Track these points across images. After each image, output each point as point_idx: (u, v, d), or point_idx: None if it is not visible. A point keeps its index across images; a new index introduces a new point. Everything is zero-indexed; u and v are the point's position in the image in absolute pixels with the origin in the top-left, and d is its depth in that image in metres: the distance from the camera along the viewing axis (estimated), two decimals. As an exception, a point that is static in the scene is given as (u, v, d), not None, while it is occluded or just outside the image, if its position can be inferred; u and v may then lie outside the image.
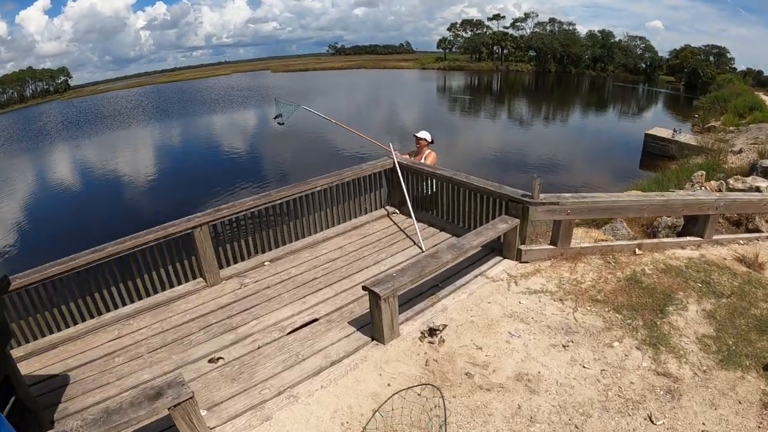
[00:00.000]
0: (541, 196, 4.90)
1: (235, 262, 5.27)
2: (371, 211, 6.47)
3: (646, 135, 19.05)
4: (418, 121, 27.85)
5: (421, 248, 5.53)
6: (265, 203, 5.14)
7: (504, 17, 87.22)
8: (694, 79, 59.93)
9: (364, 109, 34.09)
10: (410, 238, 5.84)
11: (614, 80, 65.50)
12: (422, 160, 6.77)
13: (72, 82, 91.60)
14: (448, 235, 5.83)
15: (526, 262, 5.14)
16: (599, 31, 77.70)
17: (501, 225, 4.91)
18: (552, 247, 5.21)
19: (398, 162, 6.21)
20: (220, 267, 5.07)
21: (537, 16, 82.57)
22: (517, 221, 4.96)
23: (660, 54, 73.60)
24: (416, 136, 6.84)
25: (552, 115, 31.27)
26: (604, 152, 18.81)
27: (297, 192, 5.35)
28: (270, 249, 5.50)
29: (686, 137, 17.59)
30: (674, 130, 18.03)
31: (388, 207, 6.62)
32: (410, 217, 5.99)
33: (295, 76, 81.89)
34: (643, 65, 73.59)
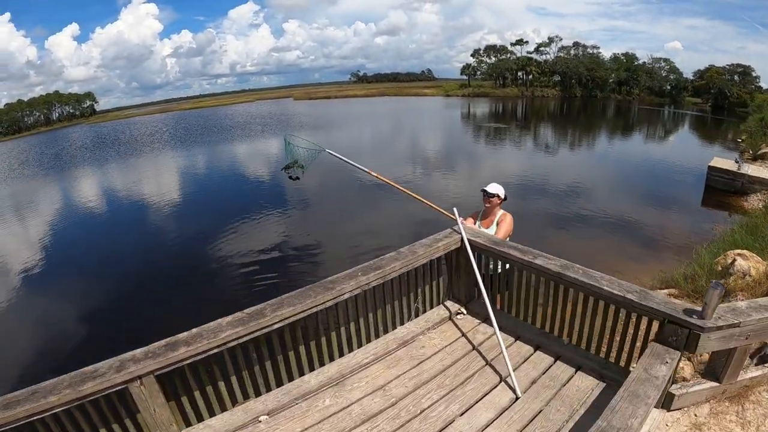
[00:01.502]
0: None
1: (210, 415, 3.13)
2: (426, 310, 4.30)
3: (710, 168, 16.63)
4: (456, 153, 25.80)
5: (513, 390, 3.32)
6: (254, 332, 3.00)
7: (527, 42, 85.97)
8: (721, 99, 57.81)
9: (393, 140, 32.21)
10: (491, 366, 3.64)
11: (639, 103, 63.57)
12: (493, 226, 4.81)
13: (99, 107, 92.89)
14: (548, 358, 3.69)
15: (676, 410, 3.19)
16: (623, 54, 76.11)
17: (659, 368, 2.77)
18: (714, 384, 3.25)
19: (469, 239, 4.06)
20: (181, 428, 2.95)
21: (561, 40, 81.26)
22: (677, 356, 2.90)
23: (684, 75, 71.68)
24: (486, 192, 4.82)
25: (587, 145, 28.87)
26: (656, 187, 16.31)
27: (309, 308, 3.21)
28: (268, 390, 3.36)
29: (755, 169, 15.48)
30: (736, 161, 15.69)
31: (448, 303, 4.44)
32: (487, 321, 3.98)
33: (317, 103, 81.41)
34: (668, 87, 71.42)
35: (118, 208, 17.64)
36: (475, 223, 5.06)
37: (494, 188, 4.87)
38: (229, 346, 2.90)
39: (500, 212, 4.99)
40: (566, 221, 12.28)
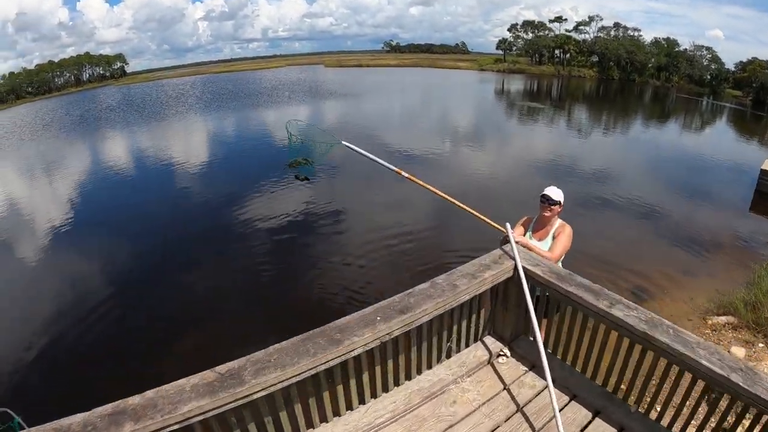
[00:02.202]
0: None
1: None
2: (460, 349, 3.39)
3: (762, 171, 14.89)
4: (488, 130, 24.39)
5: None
6: (227, 404, 2.13)
7: (566, 20, 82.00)
8: (763, 94, 54.14)
9: (423, 113, 30.78)
10: (542, 439, 2.74)
11: (678, 91, 60.47)
12: (548, 239, 3.95)
13: (130, 69, 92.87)
14: (609, 430, 2.79)
15: None
16: (664, 39, 71.97)
17: None
18: None
19: (525, 268, 3.10)
20: None
21: (601, 20, 77.12)
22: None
23: (725, 66, 67.17)
24: (548, 198, 3.91)
25: (624, 130, 26.51)
26: (697, 183, 14.49)
27: (305, 370, 2.30)
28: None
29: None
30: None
31: (489, 339, 3.52)
32: (535, 369, 3.19)
33: (348, 71, 79.69)
34: (708, 77, 67.57)
35: (140, 170, 17.19)
36: (525, 233, 4.10)
37: (555, 193, 3.90)
38: (192, 422, 2.06)
39: (558, 222, 4.02)
40: (602, 211, 11.11)
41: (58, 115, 40.77)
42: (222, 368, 2.19)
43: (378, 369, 2.81)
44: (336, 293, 7.36)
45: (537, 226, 4.11)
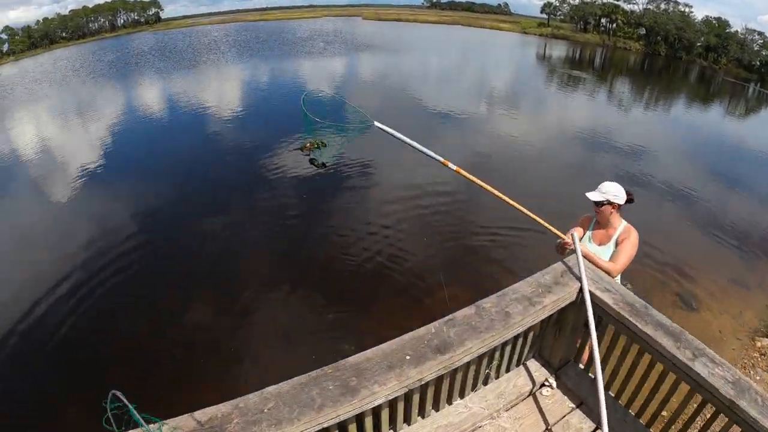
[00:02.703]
0: None
1: None
2: (499, 375, 2.85)
3: None
4: (526, 94, 23.03)
5: None
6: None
7: (614, -13, 77.21)
8: None
9: (462, 73, 29.25)
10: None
11: (725, 74, 56.91)
12: (610, 245, 3.30)
13: (164, 15, 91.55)
14: None
15: None
16: (715, 18, 67.75)
17: None
18: None
19: (594, 294, 2.49)
20: None
21: (653, -9, 72.42)
22: None
23: None
24: (602, 195, 3.25)
25: (668, 109, 24.60)
26: (742, 174, 13.13)
27: (309, 427, 1.77)
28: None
29: None
30: None
31: (532, 364, 2.96)
32: (584, 408, 2.68)
33: (387, 25, 77.05)
34: (758, 63, 63.31)
35: (169, 115, 16.87)
36: (583, 236, 3.45)
37: (612, 188, 3.23)
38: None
39: (621, 225, 3.35)
40: (641, 194, 9.85)
41: (90, 61, 40.65)
42: (203, 415, 1.68)
43: (400, 405, 2.28)
44: (364, 253, 7.04)
45: (598, 228, 3.45)
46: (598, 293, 2.48)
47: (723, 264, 7.47)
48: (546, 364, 2.97)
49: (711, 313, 5.95)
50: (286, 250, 7.21)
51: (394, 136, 2.54)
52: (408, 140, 2.57)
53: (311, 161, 2.69)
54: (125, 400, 2.18)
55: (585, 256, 3.00)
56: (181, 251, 7.35)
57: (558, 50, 56.48)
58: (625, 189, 3.29)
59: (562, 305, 2.45)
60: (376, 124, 2.57)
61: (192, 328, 5.38)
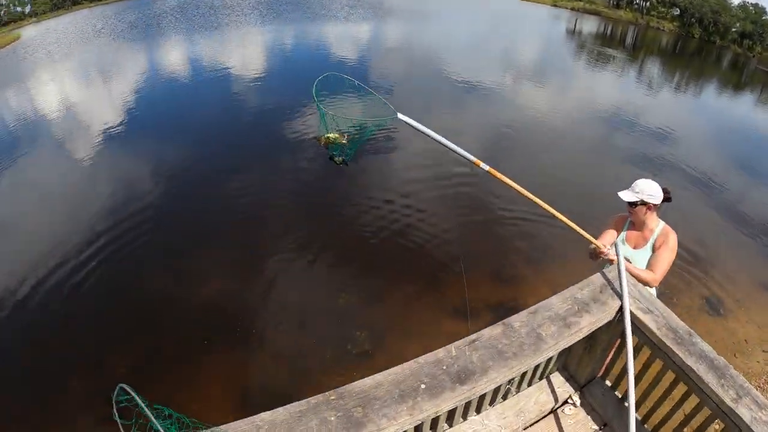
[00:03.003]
0: None
1: None
2: (520, 389, 2.59)
3: None
4: (553, 67, 22.14)
5: None
6: None
7: (651, -35, 73.72)
8: None
9: (488, 42, 28.24)
10: None
11: (758, 63, 54.58)
12: (646, 248, 3.01)
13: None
14: None
15: None
16: (752, 5, 64.75)
17: None
18: None
19: (635, 315, 2.20)
20: None
21: (689, -29, 68.94)
22: None
23: None
24: (635, 195, 2.94)
25: (701, 94, 23.78)
26: None
27: None
28: None
29: None
30: None
31: (556, 378, 2.71)
32: (607, 430, 2.20)
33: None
34: None
35: (190, 76, 16.44)
36: (618, 235, 3.15)
37: (637, 191, 2.91)
38: None
39: (659, 226, 3.03)
40: (668, 179, 9.33)
41: (113, 22, 39.99)
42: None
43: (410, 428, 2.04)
44: (383, 231, 6.79)
45: (632, 228, 3.13)
46: (639, 314, 2.19)
47: (752, 266, 7.06)
48: (570, 378, 2.71)
49: (738, 322, 5.62)
50: (306, 222, 7.00)
51: (419, 130, 2.22)
52: (435, 135, 2.25)
53: (330, 158, 2.39)
54: (134, 393, 2.01)
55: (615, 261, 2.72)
56: (200, 214, 7.23)
57: (589, 26, 54.42)
58: (661, 186, 2.95)
59: (600, 325, 2.17)
60: (399, 116, 2.24)
61: (205, 299, 5.21)
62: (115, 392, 1.69)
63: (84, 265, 5.83)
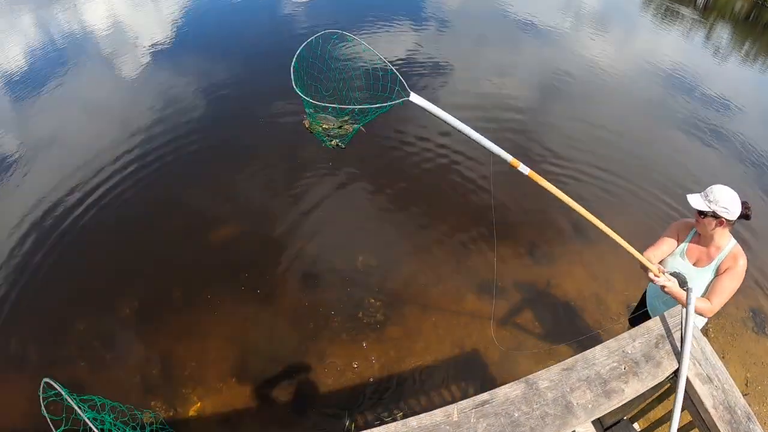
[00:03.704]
0: None
1: None
2: None
3: None
4: (627, 25, 20.05)
5: None
6: None
7: None
8: None
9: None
10: None
11: None
12: (709, 270, 2.57)
13: None
14: None
15: None
16: None
17: None
18: None
19: (690, 379, 1.78)
20: None
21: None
22: None
23: None
24: (707, 203, 2.44)
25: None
26: None
27: None
28: None
29: None
30: None
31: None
32: None
33: None
34: None
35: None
36: (676, 247, 2.68)
37: (710, 200, 2.40)
38: None
39: (729, 245, 2.53)
40: (720, 153, 8.30)
41: None
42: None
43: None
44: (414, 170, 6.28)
45: (696, 241, 2.62)
46: (697, 384, 1.78)
47: None
48: (596, 421, 2.35)
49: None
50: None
51: (440, 118, 1.69)
52: (460, 125, 1.71)
53: (324, 143, 1.94)
54: (59, 387, 1.81)
55: (677, 295, 2.29)
56: (239, 136, 6.79)
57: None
58: (741, 200, 2.42)
59: (654, 384, 1.76)
60: (413, 97, 1.70)
61: (222, 238, 4.97)
62: (41, 387, 1.55)
63: (114, 182, 5.65)
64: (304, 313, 4.17)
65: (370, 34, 10.03)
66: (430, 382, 3.81)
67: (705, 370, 1.83)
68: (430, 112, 1.69)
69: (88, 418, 1.57)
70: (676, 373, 1.80)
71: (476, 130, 1.74)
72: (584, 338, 3.71)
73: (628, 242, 2.09)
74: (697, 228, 2.53)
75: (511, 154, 1.80)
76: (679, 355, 1.81)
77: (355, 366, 3.84)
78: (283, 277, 4.53)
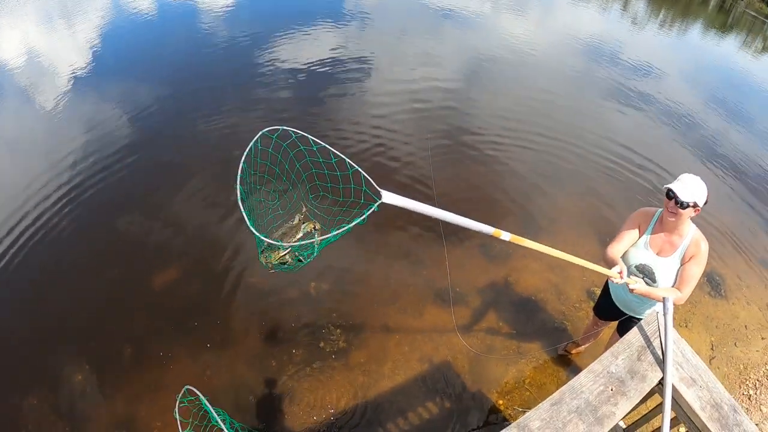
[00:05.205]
0: None
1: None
2: None
3: None
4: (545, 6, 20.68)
5: None
6: None
7: None
8: None
9: None
10: None
11: (746, 7, 52.73)
12: (674, 258, 2.58)
13: None
14: None
15: None
16: None
17: None
18: None
19: (676, 386, 1.75)
20: None
21: None
22: None
23: None
24: (674, 196, 2.44)
25: (685, 34, 22.54)
26: None
27: None
28: None
29: None
30: None
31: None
32: None
33: None
34: None
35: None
36: (640, 237, 2.68)
37: (694, 192, 2.38)
38: None
39: (690, 232, 2.56)
40: (645, 113, 8.92)
41: None
42: None
43: None
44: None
45: (659, 229, 2.62)
46: (682, 388, 1.75)
47: (752, 235, 6.55)
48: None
49: (738, 303, 5.27)
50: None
51: (419, 211, 1.53)
52: (440, 213, 1.58)
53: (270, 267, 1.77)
54: (200, 394, 2.17)
55: (646, 294, 2.27)
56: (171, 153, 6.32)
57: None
58: (706, 190, 2.47)
59: (635, 406, 1.71)
60: (386, 198, 1.48)
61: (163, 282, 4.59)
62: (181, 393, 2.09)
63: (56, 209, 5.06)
64: (264, 353, 3.91)
65: (289, 38, 9.72)
66: (406, 401, 3.69)
67: (688, 373, 1.80)
68: (407, 208, 1.53)
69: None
70: (661, 382, 1.76)
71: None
72: (551, 329, 3.71)
73: (581, 251, 2.05)
74: (674, 219, 2.46)
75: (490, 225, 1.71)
76: (662, 363, 1.77)
77: (327, 398, 3.66)
78: (235, 317, 4.21)
